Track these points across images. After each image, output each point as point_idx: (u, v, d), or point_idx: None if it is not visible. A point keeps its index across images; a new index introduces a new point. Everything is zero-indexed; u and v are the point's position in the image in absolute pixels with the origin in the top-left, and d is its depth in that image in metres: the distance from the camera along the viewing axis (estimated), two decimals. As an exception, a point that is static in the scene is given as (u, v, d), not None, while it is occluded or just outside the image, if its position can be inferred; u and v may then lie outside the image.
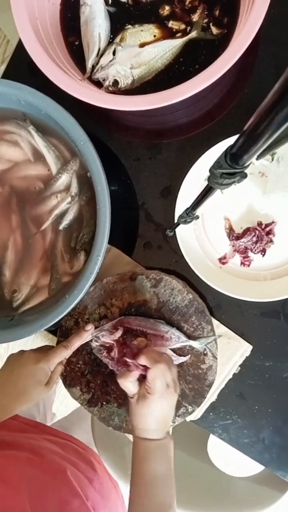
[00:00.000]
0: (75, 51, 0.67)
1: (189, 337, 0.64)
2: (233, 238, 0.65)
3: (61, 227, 0.64)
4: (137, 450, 0.54)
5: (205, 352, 0.64)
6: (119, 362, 0.63)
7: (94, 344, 0.64)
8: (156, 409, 0.53)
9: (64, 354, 0.61)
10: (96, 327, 0.65)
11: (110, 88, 0.63)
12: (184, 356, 0.64)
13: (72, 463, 0.66)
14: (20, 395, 0.58)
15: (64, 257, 0.64)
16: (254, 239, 0.64)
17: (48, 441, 0.70)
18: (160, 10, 0.64)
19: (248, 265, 0.65)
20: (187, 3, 0.63)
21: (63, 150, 0.65)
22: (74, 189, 0.64)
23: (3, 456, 0.54)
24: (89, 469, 0.72)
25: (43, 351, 0.62)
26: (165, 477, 0.52)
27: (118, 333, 0.62)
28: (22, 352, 0.63)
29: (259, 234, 0.64)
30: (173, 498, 0.53)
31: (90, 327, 0.63)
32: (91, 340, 0.65)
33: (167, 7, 0.64)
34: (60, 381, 0.68)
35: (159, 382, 0.53)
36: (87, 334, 0.63)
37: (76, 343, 0.62)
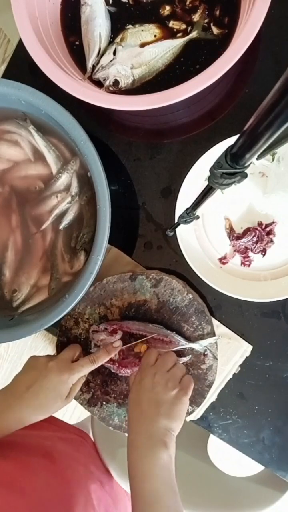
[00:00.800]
0: (76, 51, 0.67)
1: (189, 338, 0.64)
2: (234, 238, 0.65)
3: (61, 227, 0.64)
4: (129, 463, 0.52)
5: (205, 353, 0.64)
6: (120, 365, 0.63)
7: (94, 350, 0.64)
8: (133, 397, 0.55)
9: (90, 368, 0.60)
10: (94, 330, 0.65)
11: (110, 88, 0.63)
12: (185, 356, 0.64)
13: (84, 465, 0.66)
14: (39, 407, 0.56)
15: (64, 257, 0.64)
16: (255, 239, 0.64)
17: (62, 440, 0.68)
18: (160, 10, 0.64)
19: (248, 265, 0.65)
20: (187, 3, 0.63)
21: (63, 150, 0.65)
22: (74, 189, 0.64)
23: (16, 460, 0.53)
24: (102, 470, 0.71)
25: (67, 362, 0.60)
26: (163, 495, 0.48)
27: (118, 336, 0.63)
28: (46, 360, 0.60)
29: (260, 234, 0.64)
30: None
31: (118, 343, 0.62)
32: (90, 345, 0.65)
33: (167, 7, 0.64)
34: None
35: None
36: (115, 351, 0.62)
37: (104, 359, 0.61)
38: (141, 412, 0.54)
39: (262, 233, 0.64)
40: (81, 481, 0.60)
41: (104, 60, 0.64)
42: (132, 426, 0.55)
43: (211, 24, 0.63)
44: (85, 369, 0.60)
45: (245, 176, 0.38)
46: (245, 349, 0.66)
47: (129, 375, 0.63)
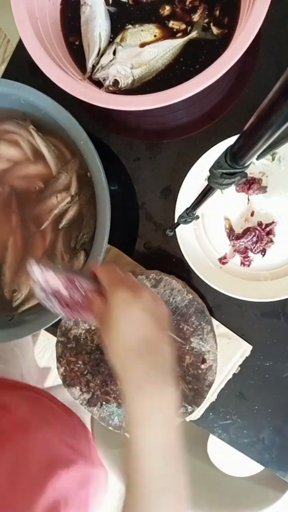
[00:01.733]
0: (75, 51, 0.67)
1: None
2: (233, 238, 0.65)
3: (60, 227, 0.64)
4: (129, 420, 0.39)
5: (205, 355, 0.64)
6: (73, 307, 0.48)
7: (39, 293, 0.47)
8: (122, 319, 0.39)
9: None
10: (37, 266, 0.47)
11: (110, 88, 0.63)
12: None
13: (46, 421, 0.64)
14: None
15: (64, 257, 0.64)
16: (254, 239, 0.64)
17: (17, 396, 0.66)
18: (160, 10, 0.64)
19: (248, 265, 0.65)
20: (187, 3, 0.63)
21: (63, 150, 0.65)
22: (74, 189, 0.64)
23: None
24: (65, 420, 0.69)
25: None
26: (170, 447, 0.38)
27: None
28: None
29: (259, 234, 0.64)
30: None
31: None
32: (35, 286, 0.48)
33: (167, 7, 0.64)
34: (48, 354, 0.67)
35: (106, 278, 0.42)
36: None
37: None
38: (131, 344, 0.40)
39: (262, 233, 0.64)
40: (40, 427, 0.57)
41: (104, 60, 0.64)
42: (122, 337, 0.40)
43: (211, 24, 0.63)
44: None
45: (245, 176, 0.38)
46: (245, 349, 0.66)
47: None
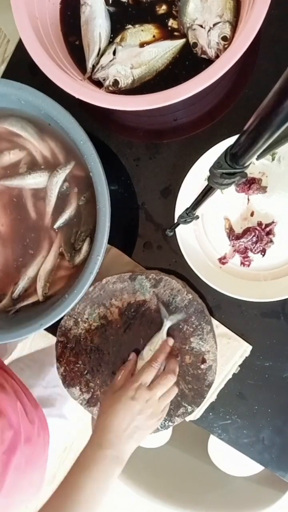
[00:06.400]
0: (75, 51, 0.67)
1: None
2: (233, 238, 0.65)
3: (60, 226, 0.64)
4: (82, 453, 0.55)
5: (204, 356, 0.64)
6: None
7: None
8: (120, 407, 0.55)
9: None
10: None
11: (110, 88, 0.63)
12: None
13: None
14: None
15: (65, 255, 0.64)
16: (254, 239, 0.64)
17: None
18: (160, 10, 0.64)
19: (248, 265, 0.65)
20: (187, 3, 0.63)
21: (62, 150, 0.65)
22: (74, 189, 0.64)
23: None
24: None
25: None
26: (91, 497, 0.51)
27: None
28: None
29: (259, 234, 0.64)
30: None
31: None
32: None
33: (167, 7, 0.64)
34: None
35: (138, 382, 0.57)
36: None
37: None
38: (117, 425, 0.56)
39: (262, 233, 0.64)
40: None
41: (104, 60, 0.64)
42: (103, 424, 0.56)
43: (211, 24, 0.62)
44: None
45: (244, 176, 0.38)
46: (244, 349, 0.66)
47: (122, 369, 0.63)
